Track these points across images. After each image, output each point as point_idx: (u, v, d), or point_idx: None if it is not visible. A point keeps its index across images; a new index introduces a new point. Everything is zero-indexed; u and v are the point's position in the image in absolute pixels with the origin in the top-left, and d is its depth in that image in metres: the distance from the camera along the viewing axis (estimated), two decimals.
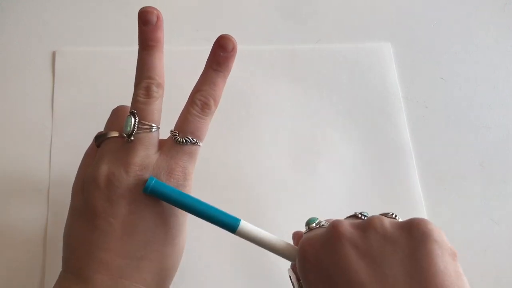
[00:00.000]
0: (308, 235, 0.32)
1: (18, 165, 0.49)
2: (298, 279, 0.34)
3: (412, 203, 0.49)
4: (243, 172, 0.50)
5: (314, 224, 0.33)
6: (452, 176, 0.52)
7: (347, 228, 0.30)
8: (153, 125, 0.37)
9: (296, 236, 0.36)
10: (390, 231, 0.29)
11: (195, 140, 0.36)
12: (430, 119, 0.55)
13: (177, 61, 0.56)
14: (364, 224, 0.30)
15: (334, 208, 0.49)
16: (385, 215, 0.32)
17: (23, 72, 0.54)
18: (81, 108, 0.52)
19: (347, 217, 0.34)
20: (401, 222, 0.29)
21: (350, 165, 0.51)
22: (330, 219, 0.34)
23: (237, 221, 0.34)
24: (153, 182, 0.33)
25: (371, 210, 0.49)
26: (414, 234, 0.28)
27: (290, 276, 0.36)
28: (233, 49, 0.37)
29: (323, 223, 0.33)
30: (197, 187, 0.49)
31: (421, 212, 0.49)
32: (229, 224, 0.34)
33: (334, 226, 0.30)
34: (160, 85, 0.39)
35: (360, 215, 0.33)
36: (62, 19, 0.57)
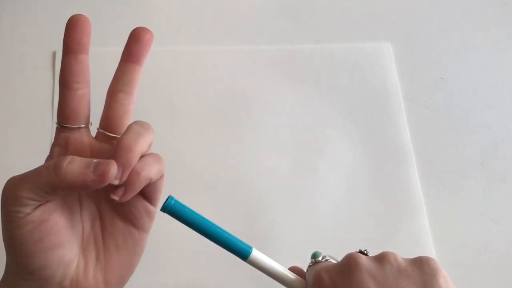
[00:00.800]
0: (322, 265, 0.34)
1: (18, 166, 0.48)
2: None
3: (412, 203, 0.49)
4: (243, 172, 0.50)
5: (320, 258, 0.36)
6: (452, 176, 0.52)
7: (365, 259, 0.33)
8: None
9: (295, 270, 0.37)
10: (403, 265, 0.32)
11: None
12: (430, 119, 0.55)
13: (177, 61, 0.56)
14: (379, 257, 0.33)
15: (334, 207, 0.49)
16: (360, 252, 0.35)
17: (23, 72, 0.54)
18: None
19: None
20: (411, 259, 0.33)
21: (350, 165, 0.51)
22: (332, 256, 0.37)
23: (249, 249, 0.34)
24: (172, 202, 0.32)
25: (371, 209, 0.49)
26: (425, 269, 0.32)
27: None
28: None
29: (327, 257, 0.36)
30: (198, 187, 0.49)
31: (421, 212, 0.49)
32: (241, 252, 0.34)
33: (352, 258, 0.33)
34: None
35: (365, 251, 0.35)
36: (62, 19, 0.57)
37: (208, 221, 0.34)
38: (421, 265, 0.32)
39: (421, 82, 0.57)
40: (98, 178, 0.28)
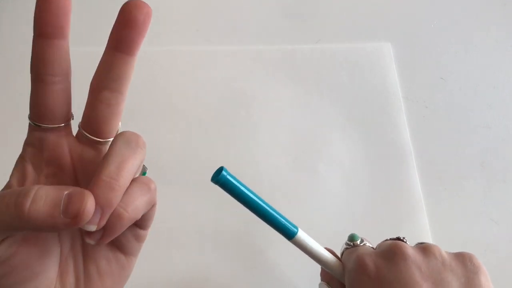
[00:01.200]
0: (364, 250, 0.34)
1: None
2: None
3: (412, 203, 0.49)
4: (243, 172, 0.50)
5: (358, 241, 0.36)
6: (452, 176, 0.52)
7: (411, 249, 0.33)
8: None
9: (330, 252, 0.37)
10: (448, 260, 0.32)
11: None
12: (430, 119, 0.55)
13: (177, 61, 0.56)
14: (423, 249, 0.33)
15: (334, 207, 0.49)
16: (398, 239, 0.35)
17: (23, 72, 0.54)
18: (81, 108, 0.51)
19: (390, 239, 0.36)
20: (454, 253, 0.33)
21: (350, 165, 0.51)
22: (367, 239, 0.37)
23: (295, 230, 0.34)
24: (226, 176, 0.31)
25: (371, 209, 0.49)
26: (468, 266, 0.32)
27: None
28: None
29: (365, 241, 0.36)
30: (198, 187, 0.49)
31: (421, 212, 0.49)
32: (287, 231, 0.34)
33: (398, 246, 0.33)
34: None
35: (403, 239, 0.35)
36: None
37: (258, 197, 0.33)
38: (464, 261, 0.32)
39: (421, 82, 0.57)
40: (70, 221, 0.22)
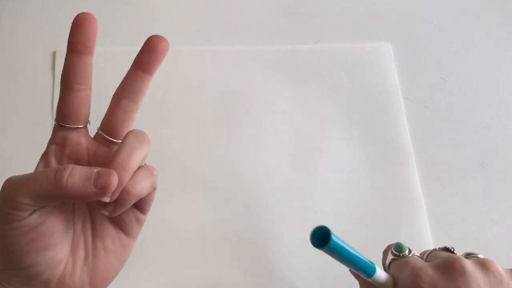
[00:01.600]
0: (418, 263, 0.33)
1: (18, 166, 0.48)
2: None
3: (412, 203, 0.49)
4: (243, 172, 0.50)
5: (407, 252, 0.35)
6: (452, 176, 0.52)
7: (470, 265, 0.32)
8: None
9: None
10: (505, 278, 0.32)
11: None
12: (430, 119, 0.55)
13: (177, 61, 0.56)
14: (482, 264, 0.32)
15: (334, 207, 0.49)
16: (470, 254, 0.35)
17: (23, 72, 0.54)
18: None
19: (439, 248, 0.36)
20: (510, 270, 0.33)
21: (350, 165, 0.51)
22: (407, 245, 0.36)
23: (374, 271, 0.33)
24: (335, 240, 0.27)
25: (371, 209, 0.49)
26: None
27: None
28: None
29: (413, 252, 0.35)
30: (198, 187, 0.49)
31: (421, 212, 0.49)
32: (368, 274, 0.32)
33: (457, 261, 0.32)
34: None
35: (452, 249, 0.35)
36: (62, 19, 0.57)
37: (359, 255, 0.31)
38: None
39: (421, 82, 0.57)
40: (99, 191, 0.28)
